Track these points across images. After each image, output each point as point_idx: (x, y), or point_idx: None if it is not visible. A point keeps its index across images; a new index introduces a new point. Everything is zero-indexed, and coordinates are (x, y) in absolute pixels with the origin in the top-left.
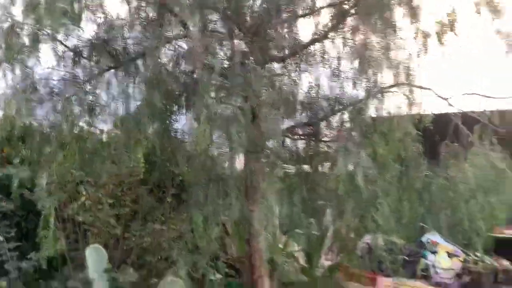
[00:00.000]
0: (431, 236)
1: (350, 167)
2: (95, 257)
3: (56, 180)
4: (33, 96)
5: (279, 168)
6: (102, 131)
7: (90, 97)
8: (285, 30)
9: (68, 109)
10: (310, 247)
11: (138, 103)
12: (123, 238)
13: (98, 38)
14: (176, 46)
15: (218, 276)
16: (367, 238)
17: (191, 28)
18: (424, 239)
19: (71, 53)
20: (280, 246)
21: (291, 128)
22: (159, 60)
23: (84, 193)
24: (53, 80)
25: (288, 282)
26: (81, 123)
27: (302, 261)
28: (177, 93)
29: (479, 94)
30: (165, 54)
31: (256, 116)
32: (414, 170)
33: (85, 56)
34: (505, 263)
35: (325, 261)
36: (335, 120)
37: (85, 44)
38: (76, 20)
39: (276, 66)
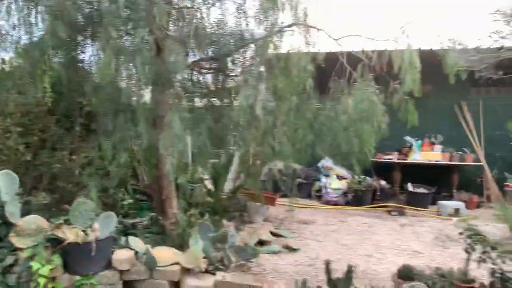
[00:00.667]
0: (326, 162)
1: (251, 100)
2: (6, 182)
3: None
4: None
5: (185, 100)
6: (3, 60)
7: None
8: None
9: None
10: (216, 173)
11: (42, 32)
12: (34, 165)
13: None
14: None
15: (130, 201)
16: (270, 165)
17: None
18: (319, 164)
19: None
20: (189, 171)
21: (197, 62)
22: None
23: None
24: None
25: (195, 202)
26: None
27: (210, 186)
28: (82, 23)
29: (360, 36)
30: None
31: (160, 49)
32: (306, 102)
33: None
34: (382, 182)
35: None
36: (239, 56)
37: None
38: None
39: None
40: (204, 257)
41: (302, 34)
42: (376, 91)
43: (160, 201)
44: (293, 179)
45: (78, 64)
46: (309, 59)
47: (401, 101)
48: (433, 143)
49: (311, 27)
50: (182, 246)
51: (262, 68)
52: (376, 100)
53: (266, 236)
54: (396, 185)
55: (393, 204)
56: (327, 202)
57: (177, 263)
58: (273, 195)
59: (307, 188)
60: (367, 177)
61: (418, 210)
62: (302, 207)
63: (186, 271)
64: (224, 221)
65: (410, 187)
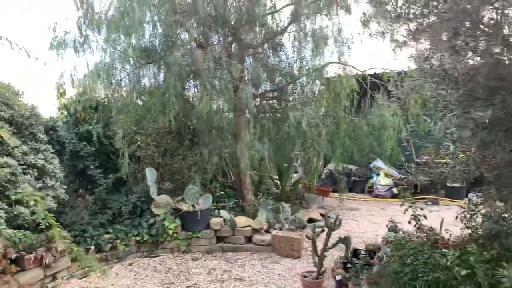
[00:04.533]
0: (376, 163)
1: (299, 118)
2: (150, 174)
3: (122, 133)
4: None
5: (254, 120)
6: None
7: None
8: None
9: (118, 87)
10: (280, 171)
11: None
12: (162, 165)
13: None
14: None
15: (221, 192)
16: (330, 166)
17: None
18: (372, 165)
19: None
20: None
21: (263, 93)
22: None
23: (139, 139)
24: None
25: (266, 192)
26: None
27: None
28: (188, 76)
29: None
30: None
31: (237, 89)
32: (343, 118)
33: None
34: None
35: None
36: (290, 88)
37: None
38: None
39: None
40: (266, 222)
41: (340, 67)
42: (395, 107)
43: (240, 190)
44: (344, 177)
45: (187, 101)
46: (346, 83)
47: (413, 114)
48: None
49: (346, 64)
50: (254, 216)
51: (316, 90)
52: (388, 115)
53: (315, 216)
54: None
55: (429, 196)
56: (377, 196)
57: (249, 226)
58: (326, 188)
59: (361, 184)
60: (409, 175)
61: (452, 201)
62: (354, 199)
63: (254, 230)
64: (285, 205)
65: (448, 182)
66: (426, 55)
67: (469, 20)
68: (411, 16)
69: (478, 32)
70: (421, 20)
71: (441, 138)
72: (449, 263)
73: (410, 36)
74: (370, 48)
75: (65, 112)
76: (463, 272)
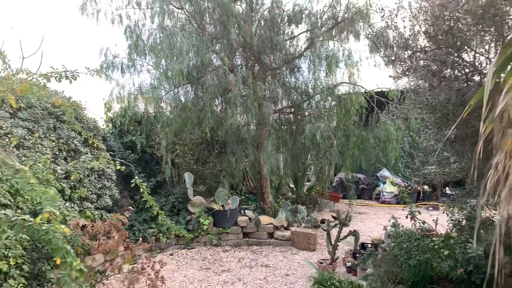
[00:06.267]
0: (383, 172)
1: (314, 131)
2: (188, 178)
3: (166, 143)
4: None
5: (275, 133)
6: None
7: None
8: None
9: (159, 103)
10: (296, 178)
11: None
12: (196, 171)
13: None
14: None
15: (242, 197)
16: (340, 175)
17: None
18: (379, 174)
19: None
20: (279, 176)
21: (282, 109)
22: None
23: (178, 148)
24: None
25: (283, 196)
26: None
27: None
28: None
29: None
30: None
31: (260, 106)
32: (353, 131)
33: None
34: (425, 187)
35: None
36: (305, 104)
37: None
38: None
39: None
40: (286, 221)
41: (350, 86)
42: (398, 122)
43: (261, 194)
44: (353, 185)
45: (217, 116)
46: (356, 100)
47: (414, 129)
48: None
49: (354, 84)
50: (274, 216)
51: (328, 106)
52: (393, 129)
53: (328, 217)
54: (438, 189)
55: (430, 202)
56: (383, 202)
57: (271, 223)
58: (337, 194)
59: (369, 192)
60: (413, 183)
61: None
62: (363, 205)
63: (276, 227)
64: (301, 207)
65: (447, 190)
66: (413, 88)
67: (440, 65)
68: (401, 60)
69: (448, 74)
70: (409, 63)
71: (426, 148)
72: (436, 246)
73: (401, 74)
74: (377, 70)
75: (110, 125)
76: (446, 252)
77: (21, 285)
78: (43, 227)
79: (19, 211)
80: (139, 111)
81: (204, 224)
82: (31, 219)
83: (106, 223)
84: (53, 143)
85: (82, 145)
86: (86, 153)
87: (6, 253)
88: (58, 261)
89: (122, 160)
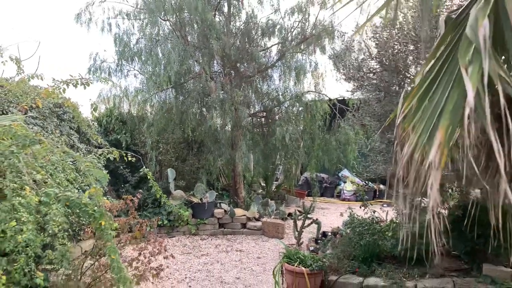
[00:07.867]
0: (344, 172)
1: (283, 133)
2: (171, 173)
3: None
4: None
5: (248, 134)
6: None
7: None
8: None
9: (142, 106)
10: (266, 176)
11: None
12: (176, 168)
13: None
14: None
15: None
16: (306, 174)
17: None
18: (340, 174)
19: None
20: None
21: (255, 113)
22: (192, 85)
23: (161, 146)
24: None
25: (254, 192)
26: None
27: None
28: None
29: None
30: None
31: (236, 110)
32: (317, 134)
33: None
34: (381, 186)
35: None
36: (276, 109)
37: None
38: None
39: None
40: (258, 212)
41: (315, 94)
42: (357, 127)
43: (235, 189)
44: (317, 183)
45: (197, 118)
46: (320, 107)
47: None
48: None
49: (319, 92)
50: (247, 209)
51: (296, 111)
52: (351, 134)
53: (293, 211)
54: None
55: (385, 200)
56: (344, 199)
57: (244, 215)
58: (303, 192)
59: (331, 190)
60: (370, 183)
61: None
62: (325, 202)
63: (248, 219)
64: (271, 201)
65: None
66: (366, 99)
67: (385, 85)
68: (356, 78)
69: (393, 90)
70: (361, 82)
71: (374, 149)
72: (382, 229)
73: (356, 88)
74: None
75: (96, 124)
76: (390, 234)
77: (65, 240)
78: (83, 201)
79: (70, 186)
80: (124, 111)
81: (184, 215)
82: (72, 194)
83: (121, 202)
84: (59, 139)
85: (78, 141)
86: (82, 149)
87: (56, 219)
88: (103, 223)
89: (129, 152)
